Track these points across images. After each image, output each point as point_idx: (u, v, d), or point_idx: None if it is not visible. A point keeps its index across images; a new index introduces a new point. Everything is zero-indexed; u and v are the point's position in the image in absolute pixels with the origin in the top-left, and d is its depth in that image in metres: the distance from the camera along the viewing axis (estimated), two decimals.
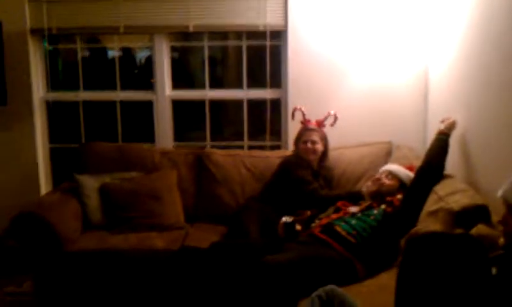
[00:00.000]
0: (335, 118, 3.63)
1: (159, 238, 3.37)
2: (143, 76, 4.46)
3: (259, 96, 4.16)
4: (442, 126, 3.07)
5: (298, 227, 3.04)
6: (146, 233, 3.43)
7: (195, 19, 3.98)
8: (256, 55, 4.18)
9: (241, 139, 4.25)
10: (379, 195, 3.09)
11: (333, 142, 3.74)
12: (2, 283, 3.13)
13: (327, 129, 3.65)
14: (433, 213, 2.57)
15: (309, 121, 3.64)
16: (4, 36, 3.91)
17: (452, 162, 3.11)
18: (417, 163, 3.22)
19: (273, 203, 3.45)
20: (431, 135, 3.68)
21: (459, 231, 1.65)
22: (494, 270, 1.57)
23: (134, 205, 3.55)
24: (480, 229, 2.26)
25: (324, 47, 3.90)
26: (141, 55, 4.68)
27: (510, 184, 1.78)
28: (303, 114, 3.67)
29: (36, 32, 4.05)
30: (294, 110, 3.73)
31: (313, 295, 2.21)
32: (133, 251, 3.21)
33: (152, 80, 4.21)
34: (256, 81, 4.18)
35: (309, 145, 3.54)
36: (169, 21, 4.02)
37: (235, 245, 2.93)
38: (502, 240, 1.78)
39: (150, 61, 4.25)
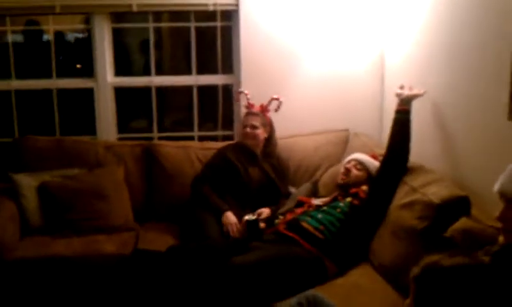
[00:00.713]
0: (279, 103, 3.45)
1: (107, 241, 3.09)
2: (83, 62, 4.07)
3: (210, 82, 3.91)
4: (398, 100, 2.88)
5: (262, 225, 2.86)
6: (92, 236, 3.14)
7: None
8: (206, 37, 3.92)
9: (190, 127, 3.99)
10: (345, 187, 2.95)
11: (287, 130, 3.62)
12: None
13: (278, 116, 3.48)
14: (408, 206, 2.43)
15: (253, 105, 3.47)
16: None
17: (420, 148, 3.02)
18: (378, 151, 3.12)
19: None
20: (388, 123, 3.62)
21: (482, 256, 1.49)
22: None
23: (77, 205, 3.24)
24: (466, 223, 2.15)
25: (279, 29, 3.70)
26: (78, 38, 4.29)
27: (509, 176, 1.63)
28: (247, 98, 3.48)
29: None
30: (239, 93, 3.55)
31: (294, 302, 2.06)
32: (80, 258, 2.94)
33: (78, 66, 3.85)
34: (205, 66, 3.93)
35: (248, 130, 3.38)
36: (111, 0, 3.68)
37: (195, 247, 2.71)
38: (501, 239, 1.64)
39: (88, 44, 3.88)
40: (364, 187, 2.88)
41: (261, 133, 3.39)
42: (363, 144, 3.40)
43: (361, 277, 2.51)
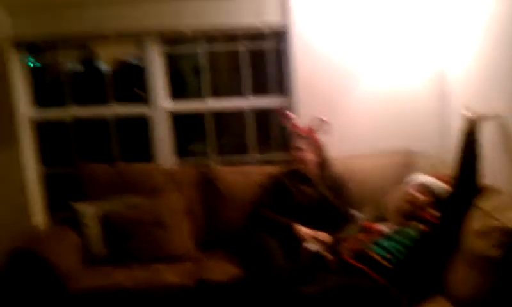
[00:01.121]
0: (327, 125, 3.36)
1: (169, 271, 3.06)
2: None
3: (264, 105, 3.87)
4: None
5: (329, 256, 2.78)
6: (154, 265, 3.12)
7: (189, 21, 3.66)
8: (257, 59, 3.88)
9: (246, 150, 3.95)
10: (412, 212, 2.84)
11: (346, 150, 3.54)
12: None
13: (336, 136, 3.42)
14: (483, 233, 2.30)
15: (299, 127, 3.39)
16: None
17: (488, 168, 2.89)
18: (444, 171, 3.00)
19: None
20: (452, 141, 3.49)
21: None
22: None
23: (138, 234, 3.24)
24: None
25: (333, 48, 3.63)
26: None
27: None
28: (292, 120, 3.41)
29: (16, 43, 3.69)
30: (283, 115, 3.48)
31: None
32: (143, 290, 2.92)
33: (135, 90, 3.87)
34: (258, 88, 3.89)
35: (294, 153, 3.32)
36: (161, 25, 3.69)
37: (261, 277, 2.65)
38: None
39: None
40: (433, 211, 2.77)
41: (309, 156, 3.32)
42: (429, 164, 3.27)
43: None
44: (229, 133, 4.47)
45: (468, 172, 2.63)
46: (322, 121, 3.36)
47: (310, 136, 3.35)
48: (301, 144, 3.31)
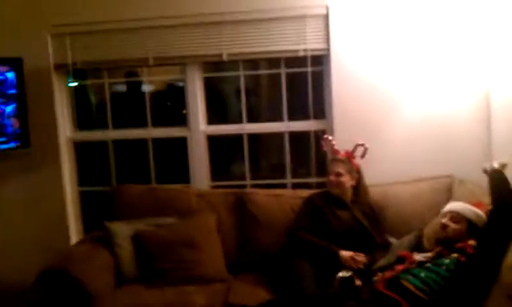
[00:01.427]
0: (365, 149, 3.28)
1: (198, 292, 3.01)
2: (176, 111, 4.14)
3: (301, 128, 3.82)
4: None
5: (358, 282, 2.67)
6: (184, 286, 3.08)
7: (229, 47, 3.68)
8: (296, 83, 3.85)
9: (282, 173, 3.90)
10: (447, 241, 2.70)
11: (383, 177, 3.45)
12: None
13: (373, 162, 3.33)
14: None
15: (338, 151, 3.31)
16: (26, 73, 3.67)
17: None
18: (486, 199, 2.85)
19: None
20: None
21: None
22: None
23: (169, 255, 3.21)
24: None
25: (371, 72, 3.57)
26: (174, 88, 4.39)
27: None
28: (332, 144, 3.34)
29: (60, 67, 3.82)
30: (324, 140, 3.41)
31: None
32: None
33: (183, 112, 3.91)
34: (296, 112, 3.85)
35: (332, 177, 3.24)
36: (202, 50, 3.73)
37: (290, 303, 2.56)
38: None
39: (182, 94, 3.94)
40: (471, 242, 2.62)
41: (347, 180, 3.24)
42: (470, 191, 3.12)
43: None
44: (267, 156, 4.44)
45: (502, 204, 2.49)
46: (361, 145, 3.29)
47: (348, 160, 3.28)
48: (339, 168, 3.24)
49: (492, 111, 3.45)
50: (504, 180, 2.58)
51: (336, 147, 3.33)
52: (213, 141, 3.93)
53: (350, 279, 2.63)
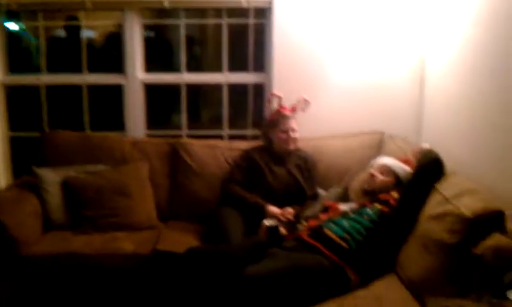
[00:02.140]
0: (306, 103, 3.31)
1: (127, 239, 3.01)
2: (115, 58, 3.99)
3: (240, 81, 3.80)
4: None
5: (283, 231, 2.71)
6: (113, 233, 3.08)
7: None
8: (238, 35, 3.81)
9: (220, 125, 3.88)
10: (372, 192, 2.78)
11: (318, 131, 3.51)
12: None
13: (309, 116, 3.38)
14: (439, 217, 2.26)
15: (285, 108, 3.33)
16: None
17: (457, 155, 2.82)
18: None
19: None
20: (427, 126, 3.44)
21: None
22: None
23: (99, 202, 3.18)
24: (498, 240, 1.95)
25: (313, 30, 3.56)
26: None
27: None
28: (280, 100, 3.34)
29: None
30: (271, 95, 3.41)
31: None
32: (96, 256, 2.88)
33: (114, 53, 3.82)
34: (237, 64, 3.81)
35: (290, 134, 3.25)
36: None
37: (214, 252, 2.58)
38: None
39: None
40: (395, 194, 2.69)
41: (298, 135, 3.28)
42: (399, 147, 3.20)
43: (386, 289, 2.33)
44: (207, 107, 4.40)
45: (430, 158, 2.57)
46: (305, 101, 3.31)
47: (294, 115, 3.31)
48: (294, 124, 3.27)
49: (426, 75, 3.52)
50: (432, 151, 2.65)
51: (283, 103, 3.33)
52: (154, 90, 3.86)
53: (275, 228, 2.67)
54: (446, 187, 2.42)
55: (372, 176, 2.81)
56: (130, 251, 2.91)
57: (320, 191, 3.24)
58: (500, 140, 2.52)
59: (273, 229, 2.65)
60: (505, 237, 1.99)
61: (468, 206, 2.14)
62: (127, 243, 2.97)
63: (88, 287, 2.90)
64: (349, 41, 3.56)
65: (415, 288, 2.23)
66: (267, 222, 2.68)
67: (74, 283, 2.90)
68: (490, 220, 2.06)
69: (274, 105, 3.39)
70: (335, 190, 3.14)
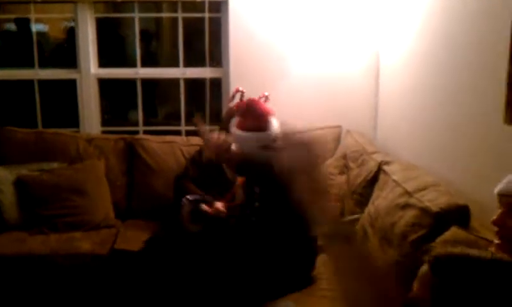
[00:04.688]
0: (266, 99, 3.26)
1: (85, 239, 2.97)
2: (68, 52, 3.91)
3: (197, 76, 3.77)
4: None
5: (205, 207, 2.66)
6: (69, 233, 3.02)
7: None
8: (194, 29, 3.77)
9: (178, 121, 3.84)
10: None
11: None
12: None
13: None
14: (401, 211, 2.29)
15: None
16: None
17: (411, 147, 2.89)
18: (370, 149, 3.02)
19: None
20: (383, 119, 3.51)
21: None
22: None
23: (54, 201, 3.12)
24: (456, 233, 2.00)
25: (270, 24, 3.56)
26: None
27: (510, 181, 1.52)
28: (242, 96, 3.29)
29: None
30: (236, 91, 3.37)
31: None
32: (54, 257, 2.81)
33: (65, 45, 3.76)
34: (194, 59, 3.78)
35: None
36: None
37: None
38: (493, 247, 1.52)
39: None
40: None
41: None
42: (355, 141, 3.26)
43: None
44: (164, 103, 4.36)
45: None
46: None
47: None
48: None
49: (380, 70, 3.58)
50: None
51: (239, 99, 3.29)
52: (109, 85, 3.78)
53: (197, 202, 2.61)
54: (405, 180, 2.45)
55: None
56: (88, 250, 2.87)
57: None
58: (450, 134, 2.58)
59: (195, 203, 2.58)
60: (463, 231, 2.02)
61: (432, 200, 2.16)
62: (84, 242, 2.93)
63: (46, 288, 2.84)
64: (306, 35, 3.58)
65: None
66: (190, 197, 2.62)
67: (31, 285, 2.84)
68: (454, 214, 2.08)
69: (237, 100, 3.36)
70: None
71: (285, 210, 2.00)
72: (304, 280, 2.39)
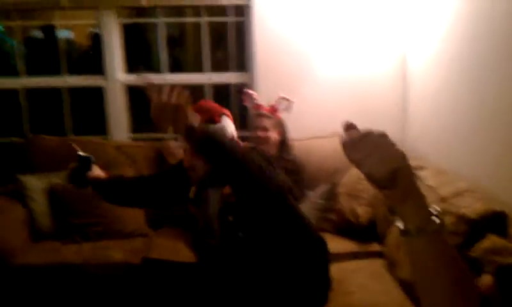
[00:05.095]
0: (290, 103, 3.25)
1: (117, 248, 2.98)
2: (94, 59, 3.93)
3: (223, 81, 3.77)
4: None
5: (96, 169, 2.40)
6: (102, 242, 3.04)
7: None
8: (218, 34, 3.78)
9: None
10: None
11: (304, 131, 3.48)
12: None
13: (295, 117, 3.31)
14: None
15: (260, 106, 3.26)
16: None
17: (441, 150, 2.87)
18: None
19: None
20: (411, 124, 3.49)
21: None
22: None
23: (87, 210, 3.14)
24: (494, 241, 1.99)
25: (295, 26, 3.55)
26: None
27: None
28: (254, 99, 3.29)
29: None
30: (245, 94, 3.35)
31: None
32: (87, 266, 2.84)
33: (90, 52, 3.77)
34: (218, 63, 3.79)
35: (258, 133, 3.16)
36: None
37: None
38: None
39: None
40: None
41: (272, 135, 3.18)
42: None
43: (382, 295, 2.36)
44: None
45: None
46: (285, 99, 3.24)
47: (272, 115, 3.22)
48: (265, 123, 3.17)
49: (408, 73, 3.56)
50: None
51: (258, 101, 3.29)
52: (138, 93, 3.79)
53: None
54: (441, 186, 2.42)
55: None
56: (121, 259, 2.88)
57: (309, 193, 3.24)
58: (482, 137, 2.56)
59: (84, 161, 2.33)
60: (501, 239, 2.01)
61: (469, 207, 2.14)
62: (116, 252, 2.94)
63: (78, 297, 2.86)
64: (331, 38, 3.57)
65: (411, 291, 2.23)
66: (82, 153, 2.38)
67: (64, 294, 2.86)
68: (491, 221, 2.07)
69: (249, 104, 3.35)
70: (322, 187, 3.15)
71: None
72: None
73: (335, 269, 2.26)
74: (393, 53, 3.59)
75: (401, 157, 0.93)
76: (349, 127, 0.97)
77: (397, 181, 0.90)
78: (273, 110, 3.25)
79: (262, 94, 3.38)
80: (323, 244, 2.20)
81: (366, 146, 0.95)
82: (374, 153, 0.93)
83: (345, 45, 3.58)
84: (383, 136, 0.94)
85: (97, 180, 2.34)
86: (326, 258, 2.20)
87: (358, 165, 0.95)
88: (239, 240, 2.17)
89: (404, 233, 0.92)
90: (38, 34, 4.08)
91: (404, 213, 0.93)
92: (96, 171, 2.35)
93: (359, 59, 3.60)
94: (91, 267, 2.86)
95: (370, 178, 0.94)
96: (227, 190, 2.18)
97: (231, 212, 2.17)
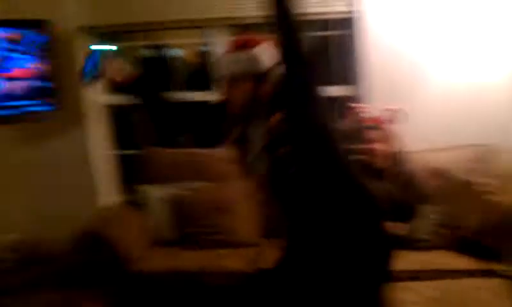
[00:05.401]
0: (399, 114, 3.19)
1: (231, 257, 3.08)
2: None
3: (332, 94, 3.75)
4: None
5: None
6: (217, 250, 3.17)
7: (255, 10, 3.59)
8: (320, 47, 3.78)
9: None
10: None
11: (419, 144, 3.35)
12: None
13: (409, 129, 3.24)
14: None
15: (366, 119, 3.23)
16: (54, 35, 3.58)
17: None
18: None
19: None
20: None
21: None
22: None
23: (205, 219, 3.29)
24: None
25: (404, 36, 3.49)
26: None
27: None
28: (359, 111, 3.26)
29: (85, 30, 3.71)
30: (350, 109, 3.31)
31: None
32: (204, 274, 2.95)
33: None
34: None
35: (364, 145, 3.13)
36: (225, 12, 3.63)
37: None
38: None
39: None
40: None
41: (381, 147, 3.15)
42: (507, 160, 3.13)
43: None
44: None
45: None
46: (395, 111, 3.20)
47: (380, 127, 3.19)
48: (371, 135, 3.15)
49: None
50: None
51: (365, 114, 3.26)
52: None
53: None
54: None
55: None
56: (235, 268, 2.96)
57: (426, 208, 3.11)
58: None
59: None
60: None
61: None
62: (231, 260, 3.04)
63: (193, 305, 2.97)
64: (441, 50, 3.48)
65: None
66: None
67: (181, 300, 2.98)
68: None
69: (355, 117, 3.29)
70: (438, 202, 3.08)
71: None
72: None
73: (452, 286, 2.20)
74: (508, 61, 3.44)
75: None
76: None
77: None
78: (381, 121, 3.21)
79: (373, 107, 3.35)
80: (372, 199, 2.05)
81: None
82: None
83: (461, 52, 3.47)
84: None
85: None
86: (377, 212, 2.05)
87: None
88: (289, 177, 2.05)
89: None
90: (149, 53, 4.27)
91: None
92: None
93: (476, 67, 3.47)
94: (206, 274, 2.97)
95: None
96: (273, 122, 2.03)
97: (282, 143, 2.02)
